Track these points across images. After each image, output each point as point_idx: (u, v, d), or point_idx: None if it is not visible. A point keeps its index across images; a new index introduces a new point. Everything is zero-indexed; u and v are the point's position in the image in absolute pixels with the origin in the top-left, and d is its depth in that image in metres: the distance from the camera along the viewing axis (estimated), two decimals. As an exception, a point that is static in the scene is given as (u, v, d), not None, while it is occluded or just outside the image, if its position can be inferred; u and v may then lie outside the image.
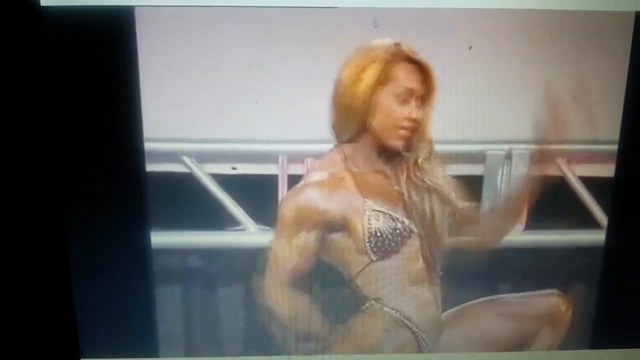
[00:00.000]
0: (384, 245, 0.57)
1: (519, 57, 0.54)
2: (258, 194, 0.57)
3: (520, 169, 0.57)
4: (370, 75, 0.52)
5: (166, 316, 0.62)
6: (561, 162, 0.58)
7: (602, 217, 0.60)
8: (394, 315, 0.60)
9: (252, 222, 0.58)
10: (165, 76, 0.54)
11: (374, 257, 0.58)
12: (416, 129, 0.55)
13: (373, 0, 0.53)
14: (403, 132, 0.54)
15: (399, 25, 0.53)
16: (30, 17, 0.52)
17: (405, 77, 0.53)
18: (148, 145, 0.56)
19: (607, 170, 0.58)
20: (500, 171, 0.57)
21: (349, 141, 0.56)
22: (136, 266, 0.60)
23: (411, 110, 0.54)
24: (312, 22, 0.53)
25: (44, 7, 0.52)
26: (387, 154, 0.56)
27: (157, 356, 0.64)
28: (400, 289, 0.59)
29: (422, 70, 0.53)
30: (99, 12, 0.52)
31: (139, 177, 0.57)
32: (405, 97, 0.53)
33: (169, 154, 0.56)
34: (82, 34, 0.53)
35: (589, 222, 0.60)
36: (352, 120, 0.54)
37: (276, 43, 0.54)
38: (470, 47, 0.54)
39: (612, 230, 0.60)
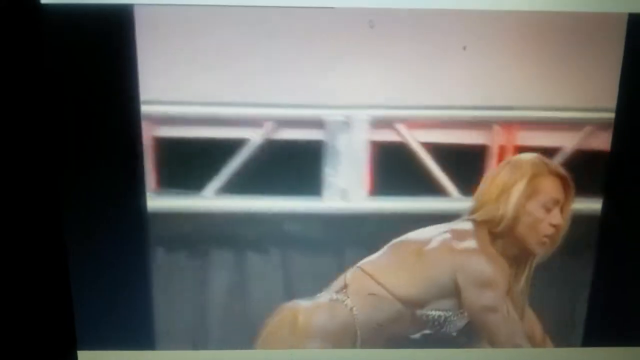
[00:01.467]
0: None
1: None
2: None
3: (359, 135, 0.58)
4: (519, 189, 0.58)
5: (164, 307, 0.63)
6: (401, 127, 0.57)
7: (448, 184, 0.59)
8: None
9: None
10: (164, 70, 0.55)
11: None
12: (556, 236, 0.59)
13: (369, 0, 0.54)
14: (545, 238, 0.59)
15: (394, 25, 0.55)
16: (30, 14, 0.53)
17: (551, 190, 0.58)
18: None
19: (451, 136, 0.58)
20: (339, 137, 0.58)
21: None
22: (134, 256, 0.61)
23: (554, 218, 0.59)
24: (309, 22, 0.54)
25: (44, 4, 0.53)
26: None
27: (154, 348, 0.64)
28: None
29: (564, 182, 0.58)
30: (98, 9, 0.53)
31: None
32: (551, 206, 0.58)
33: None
34: (81, 31, 0.54)
35: (434, 188, 0.59)
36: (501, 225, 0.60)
37: (274, 42, 0.55)
38: (464, 48, 0.55)
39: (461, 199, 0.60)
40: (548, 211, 0.59)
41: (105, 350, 0.64)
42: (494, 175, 0.58)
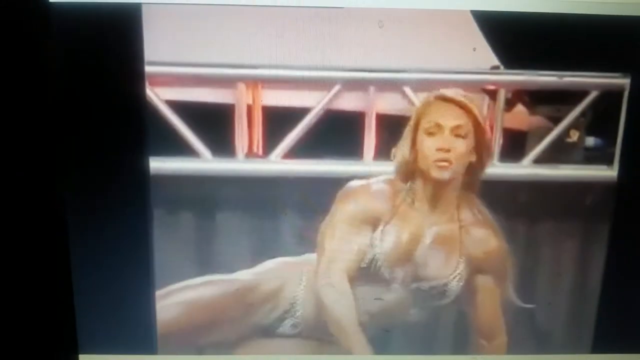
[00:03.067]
0: None
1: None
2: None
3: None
4: (409, 125, 0.58)
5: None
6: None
7: (198, 145, 0.57)
8: None
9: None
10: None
11: None
12: (454, 159, 0.58)
13: (379, 0, 0.54)
14: (440, 162, 0.58)
15: (403, 25, 0.55)
16: (39, 13, 0.53)
17: (434, 115, 0.57)
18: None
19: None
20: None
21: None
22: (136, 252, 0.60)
23: (438, 142, 0.58)
24: (318, 22, 0.54)
25: (52, 3, 0.53)
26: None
27: (155, 352, 0.63)
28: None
29: (461, 107, 0.57)
30: (106, 8, 0.53)
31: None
32: (434, 130, 0.58)
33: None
34: (90, 29, 0.53)
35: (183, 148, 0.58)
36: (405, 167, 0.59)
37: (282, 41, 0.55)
38: (474, 49, 0.55)
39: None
40: (432, 136, 0.57)
41: (106, 355, 0.63)
42: None
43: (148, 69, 0.55)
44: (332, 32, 0.55)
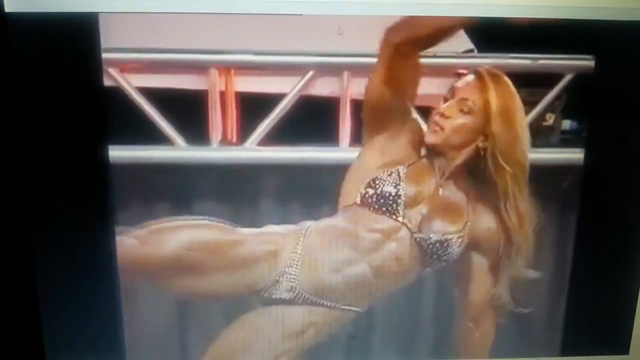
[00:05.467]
0: None
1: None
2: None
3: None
4: None
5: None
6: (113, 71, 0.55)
7: (172, 133, 0.57)
8: None
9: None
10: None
11: None
12: (446, 125, 0.58)
13: (337, 7, 0.54)
14: (435, 126, 0.58)
15: (362, 33, 0.55)
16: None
17: (457, 86, 0.57)
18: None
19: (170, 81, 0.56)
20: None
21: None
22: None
23: (443, 107, 0.57)
24: (277, 29, 0.54)
25: (8, 13, 0.52)
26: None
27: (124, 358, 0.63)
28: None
29: (478, 78, 0.57)
30: (63, 18, 0.52)
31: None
32: (448, 96, 0.57)
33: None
34: (47, 39, 0.53)
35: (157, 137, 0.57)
36: None
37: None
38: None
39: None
40: (444, 102, 0.57)
41: None
42: None
43: (117, 55, 0.54)
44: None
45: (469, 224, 0.61)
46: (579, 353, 0.66)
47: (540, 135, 0.59)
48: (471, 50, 0.56)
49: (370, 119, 0.58)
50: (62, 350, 0.62)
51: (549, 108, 0.59)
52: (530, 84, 0.58)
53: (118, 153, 0.57)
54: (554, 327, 0.65)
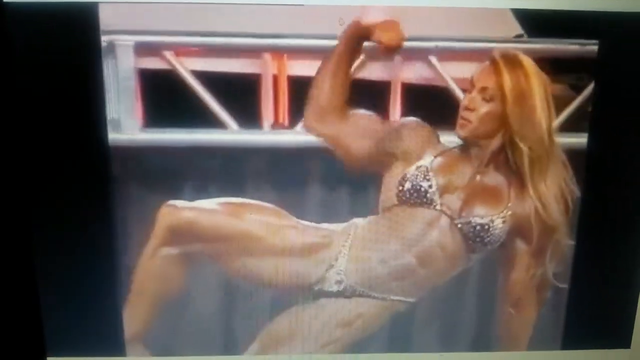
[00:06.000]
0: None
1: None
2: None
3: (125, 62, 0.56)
4: None
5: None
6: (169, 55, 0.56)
7: (225, 116, 0.57)
8: None
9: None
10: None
11: None
12: (471, 117, 0.58)
13: None
14: (462, 120, 0.59)
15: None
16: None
17: (475, 74, 0.58)
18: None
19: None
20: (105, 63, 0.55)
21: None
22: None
23: (466, 99, 0.58)
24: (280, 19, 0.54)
25: (6, 2, 0.52)
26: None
27: (124, 355, 0.63)
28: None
29: (493, 65, 0.57)
30: (62, 7, 0.53)
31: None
32: (469, 88, 0.58)
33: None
34: (45, 28, 0.53)
35: (210, 120, 0.57)
36: None
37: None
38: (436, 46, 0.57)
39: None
40: (466, 93, 0.58)
41: (74, 357, 0.62)
42: None
43: (172, 39, 0.55)
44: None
45: (510, 205, 0.61)
46: (580, 347, 0.66)
47: (586, 120, 0.59)
48: (521, 36, 0.57)
49: None
50: (62, 350, 0.62)
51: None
52: (578, 69, 0.58)
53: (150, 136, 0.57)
54: (556, 321, 0.65)
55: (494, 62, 0.57)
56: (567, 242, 0.62)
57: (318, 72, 0.56)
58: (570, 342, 0.66)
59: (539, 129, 0.58)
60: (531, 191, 0.60)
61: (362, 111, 0.58)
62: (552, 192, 0.60)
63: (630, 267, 0.64)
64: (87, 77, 0.54)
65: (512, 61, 0.57)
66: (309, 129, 0.58)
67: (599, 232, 0.62)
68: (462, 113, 0.58)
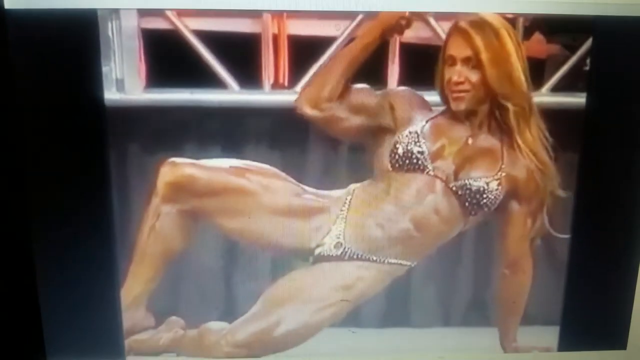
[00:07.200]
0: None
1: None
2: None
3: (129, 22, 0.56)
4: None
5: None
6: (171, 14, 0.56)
7: (226, 77, 0.58)
8: None
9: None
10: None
11: None
12: (469, 88, 0.59)
13: None
14: (455, 94, 0.59)
15: None
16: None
17: (448, 48, 0.58)
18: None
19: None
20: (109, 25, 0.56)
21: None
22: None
23: (451, 72, 0.59)
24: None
25: (8, 10, 0.53)
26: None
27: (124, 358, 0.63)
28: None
29: (464, 36, 0.58)
30: (63, 15, 0.53)
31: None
32: (450, 63, 0.59)
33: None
34: (46, 36, 0.54)
35: (212, 80, 0.57)
36: None
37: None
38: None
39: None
40: (450, 67, 0.59)
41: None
42: None
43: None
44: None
45: (503, 166, 0.62)
46: (576, 348, 0.66)
47: (581, 80, 0.60)
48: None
49: None
50: (62, 350, 0.62)
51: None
52: (572, 29, 0.59)
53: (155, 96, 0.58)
54: (552, 322, 0.66)
55: (462, 31, 0.58)
56: (561, 193, 0.63)
57: (328, 67, 0.58)
58: (566, 343, 0.66)
59: (519, 83, 0.59)
60: (520, 141, 0.61)
61: (355, 86, 0.59)
62: (538, 140, 0.61)
63: (626, 267, 0.65)
64: (92, 37, 0.55)
65: (479, 24, 0.58)
66: (300, 112, 0.59)
67: (595, 231, 0.63)
68: (454, 88, 0.59)
